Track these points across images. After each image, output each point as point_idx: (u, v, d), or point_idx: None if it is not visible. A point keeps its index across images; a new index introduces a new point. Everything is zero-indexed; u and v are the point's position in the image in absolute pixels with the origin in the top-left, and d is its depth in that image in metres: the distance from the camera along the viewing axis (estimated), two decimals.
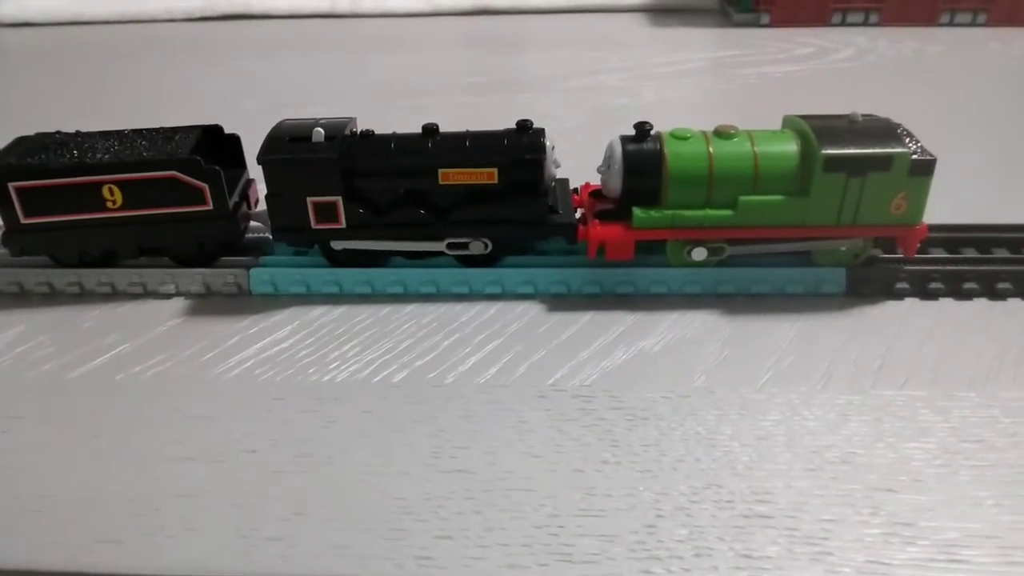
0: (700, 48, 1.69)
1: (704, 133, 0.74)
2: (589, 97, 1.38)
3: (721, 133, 0.74)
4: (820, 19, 1.80)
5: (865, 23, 1.80)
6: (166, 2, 2.06)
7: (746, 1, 1.82)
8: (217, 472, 0.58)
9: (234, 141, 0.84)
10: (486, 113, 1.30)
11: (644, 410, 0.62)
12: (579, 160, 0.81)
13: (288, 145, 0.74)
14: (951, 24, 1.78)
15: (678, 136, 0.74)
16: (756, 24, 1.82)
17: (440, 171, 0.74)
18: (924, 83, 1.44)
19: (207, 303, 0.78)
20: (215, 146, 0.82)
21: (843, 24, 1.80)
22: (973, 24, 1.78)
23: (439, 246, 0.77)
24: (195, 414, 0.63)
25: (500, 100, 1.38)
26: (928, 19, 1.78)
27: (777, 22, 1.81)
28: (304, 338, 0.72)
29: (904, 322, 0.73)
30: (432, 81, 1.50)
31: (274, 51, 1.75)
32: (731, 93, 1.42)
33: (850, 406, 0.62)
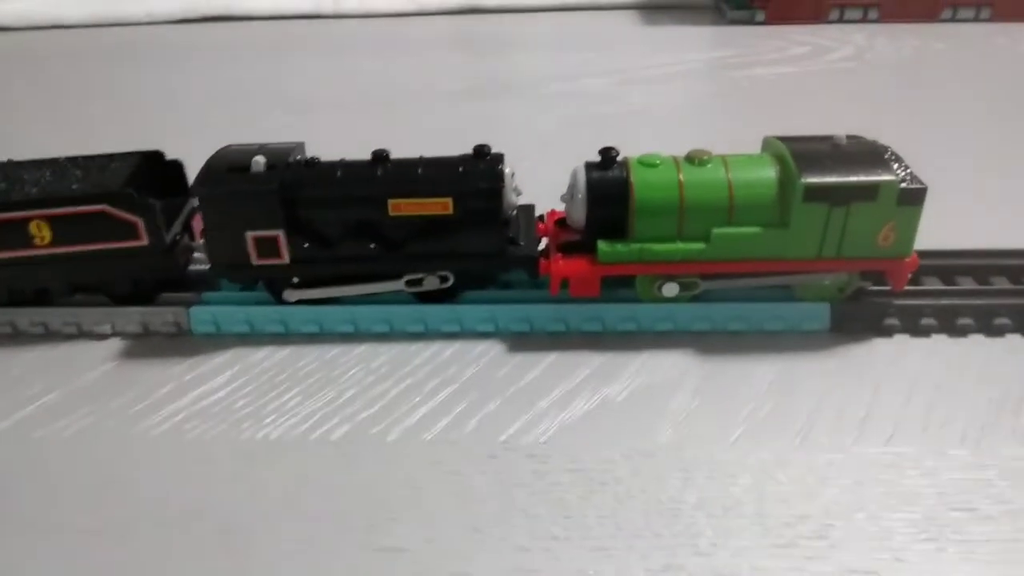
0: (692, 48, 1.63)
1: (675, 159, 0.69)
2: (570, 104, 1.32)
3: (693, 159, 0.68)
4: (817, 16, 1.73)
5: (864, 19, 1.73)
6: (146, 5, 2.00)
7: None
8: (123, 551, 0.52)
9: (176, 167, 0.79)
10: (460, 122, 1.24)
11: (602, 473, 0.57)
12: (553, 175, 0.74)
13: (225, 176, 0.68)
14: (953, 20, 1.71)
15: (646, 163, 0.68)
16: (751, 22, 1.75)
17: (390, 201, 0.69)
18: (924, 84, 1.38)
19: (145, 344, 0.73)
20: (155, 173, 0.77)
21: (841, 20, 1.74)
22: (976, 19, 1.71)
23: (399, 285, 0.72)
24: (112, 478, 0.58)
25: (477, 108, 1.32)
26: (929, 15, 1.72)
27: (773, 19, 1.74)
28: (243, 385, 0.67)
29: (893, 363, 0.67)
30: (411, 86, 1.44)
31: (255, 54, 1.69)
32: (722, 97, 1.36)
33: (830, 467, 0.57)
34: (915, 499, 0.54)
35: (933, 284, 0.75)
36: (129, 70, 1.62)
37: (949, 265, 0.76)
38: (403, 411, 0.63)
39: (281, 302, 0.73)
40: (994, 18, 1.71)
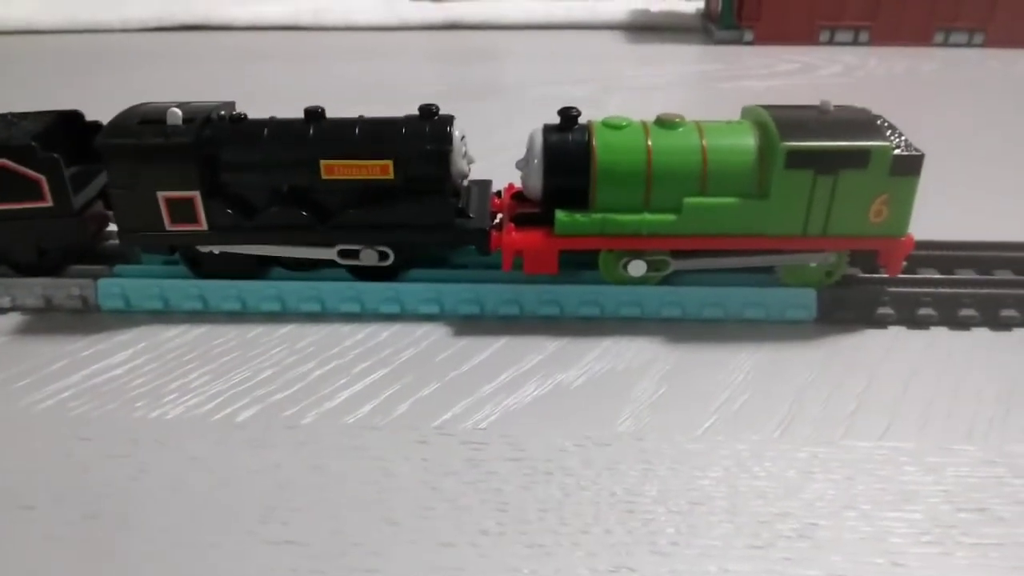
0: (677, 62, 1.58)
1: (643, 123, 0.62)
2: (548, 107, 1.25)
3: (664, 122, 0.61)
4: (807, 37, 1.69)
5: (855, 42, 1.69)
6: (120, 12, 1.95)
7: (728, 17, 1.71)
8: None
9: (97, 131, 0.71)
10: None
11: (548, 462, 0.48)
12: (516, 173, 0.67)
13: (136, 128, 0.60)
14: (946, 44, 1.67)
15: (611, 125, 0.61)
16: (739, 41, 1.71)
17: (323, 163, 0.61)
18: (916, 99, 1.32)
19: (47, 319, 0.65)
20: (74, 135, 0.69)
21: (831, 43, 1.69)
22: (969, 44, 1.67)
23: (329, 253, 0.64)
24: None
25: (455, 108, 1.25)
26: (922, 38, 1.67)
27: (761, 39, 1.69)
28: (145, 364, 0.58)
29: (887, 356, 0.59)
30: (389, 89, 1.38)
31: (230, 63, 1.63)
32: (705, 106, 1.30)
33: (814, 460, 0.48)
34: (915, 497, 0.46)
35: (931, 274, 0.67)
36: (101, 77, 1.55)
37: (947, 256, 0.69)
38: (324, 393, 0.55)
39: (199, 276, 0.65)
40: (987, 43, 1.66)
